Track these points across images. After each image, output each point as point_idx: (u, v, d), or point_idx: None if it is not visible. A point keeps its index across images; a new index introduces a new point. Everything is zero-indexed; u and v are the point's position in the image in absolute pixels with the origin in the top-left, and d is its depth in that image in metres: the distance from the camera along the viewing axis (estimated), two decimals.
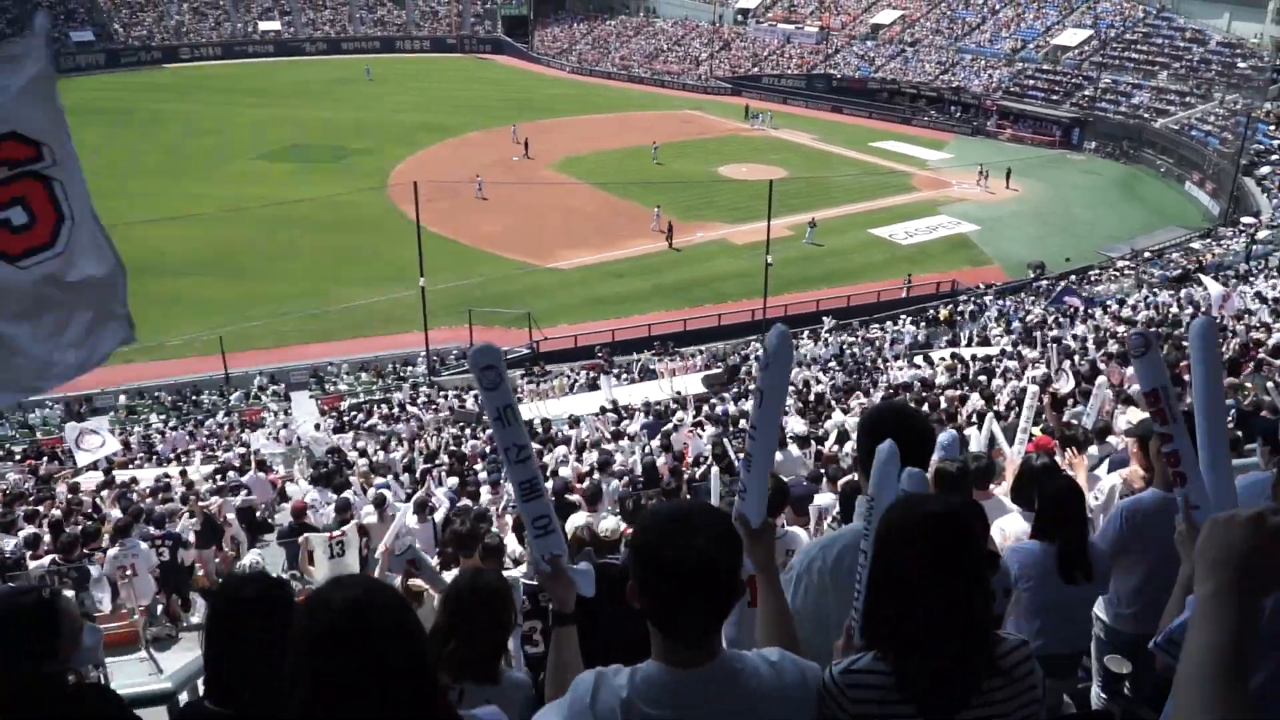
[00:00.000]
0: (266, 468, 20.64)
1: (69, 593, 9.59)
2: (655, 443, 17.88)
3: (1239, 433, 9.22)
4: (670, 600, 2.43)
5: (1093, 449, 9.19)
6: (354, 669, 2.13)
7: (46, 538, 13.59)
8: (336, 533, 10.83)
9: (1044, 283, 39.42)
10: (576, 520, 9.22)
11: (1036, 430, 9.95)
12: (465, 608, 3.63)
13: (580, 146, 63.05)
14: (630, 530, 8.50)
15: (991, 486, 7.00)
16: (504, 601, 3.70)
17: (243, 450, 24.18)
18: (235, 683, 3.17)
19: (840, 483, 9.44)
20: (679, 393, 26.29)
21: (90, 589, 11.29)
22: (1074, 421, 8.04)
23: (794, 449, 14.36)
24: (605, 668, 2.58)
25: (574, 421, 23.24)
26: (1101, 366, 17.41)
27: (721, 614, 2.49)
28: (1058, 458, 7.47)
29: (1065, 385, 15.13)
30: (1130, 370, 15.47)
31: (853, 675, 2.68)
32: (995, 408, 15.24)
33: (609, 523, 9.26)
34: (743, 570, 2.58)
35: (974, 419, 14.89)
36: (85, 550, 12.14)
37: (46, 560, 11.44)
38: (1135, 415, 10.12)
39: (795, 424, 17.55)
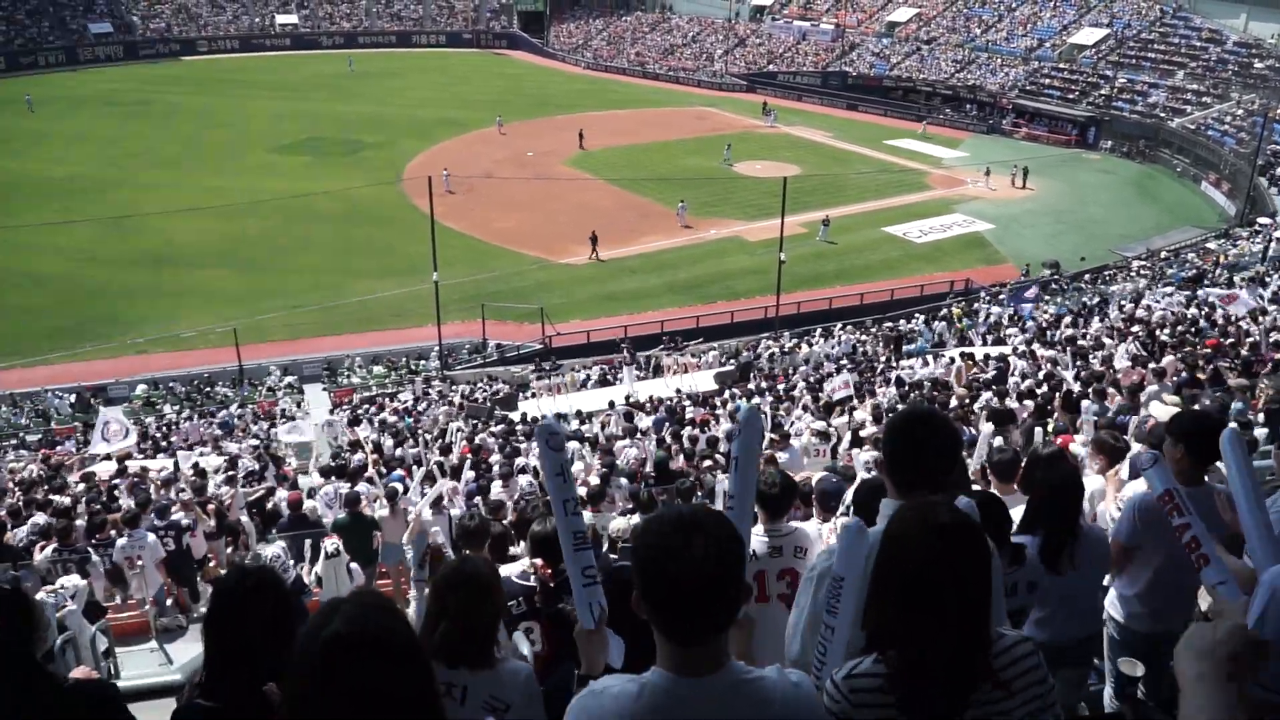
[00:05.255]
0: (280, 461, 20.68)
1: (74, 578, 9.61)
2: (668, 438, 17.86)
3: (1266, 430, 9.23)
4: (674, 610, 2.42)
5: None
6: (354, 697, 2.15)
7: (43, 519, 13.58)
8: (330, 544, 10.84)
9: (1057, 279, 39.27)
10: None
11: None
12: (450, 591, 3.67)
13: (594, 142, 62.98)
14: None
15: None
16: (488, 584, 3.73)
17: (255, 443, 24.25)
18: (229, 674, 3.23)
19: (854, 484, 9.38)
20: (690, 388, 26.26)
21: (90, 576, 11.30)
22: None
23: (796, 444, 14.35)
24: (595, 682, 2.60)
25: (584, 418, 23.26)
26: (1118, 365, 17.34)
27: (727, 620, 2.47)
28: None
29: (1076, 385, 15.07)
30: (1149, 370, 15.41)
31: (855, 680, 2.68)
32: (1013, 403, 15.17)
33: (619, 523, 9.24)
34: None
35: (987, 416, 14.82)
36: (95, 540, 12.17)
37: (50, 549, 11.45)
38: (1158, 412, 10.06)
39: (809, 420, 17.53)
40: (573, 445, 18.26)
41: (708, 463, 14.54)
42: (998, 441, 10.03)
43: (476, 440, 21.11)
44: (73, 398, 31.69)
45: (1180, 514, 3.98)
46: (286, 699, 2.22)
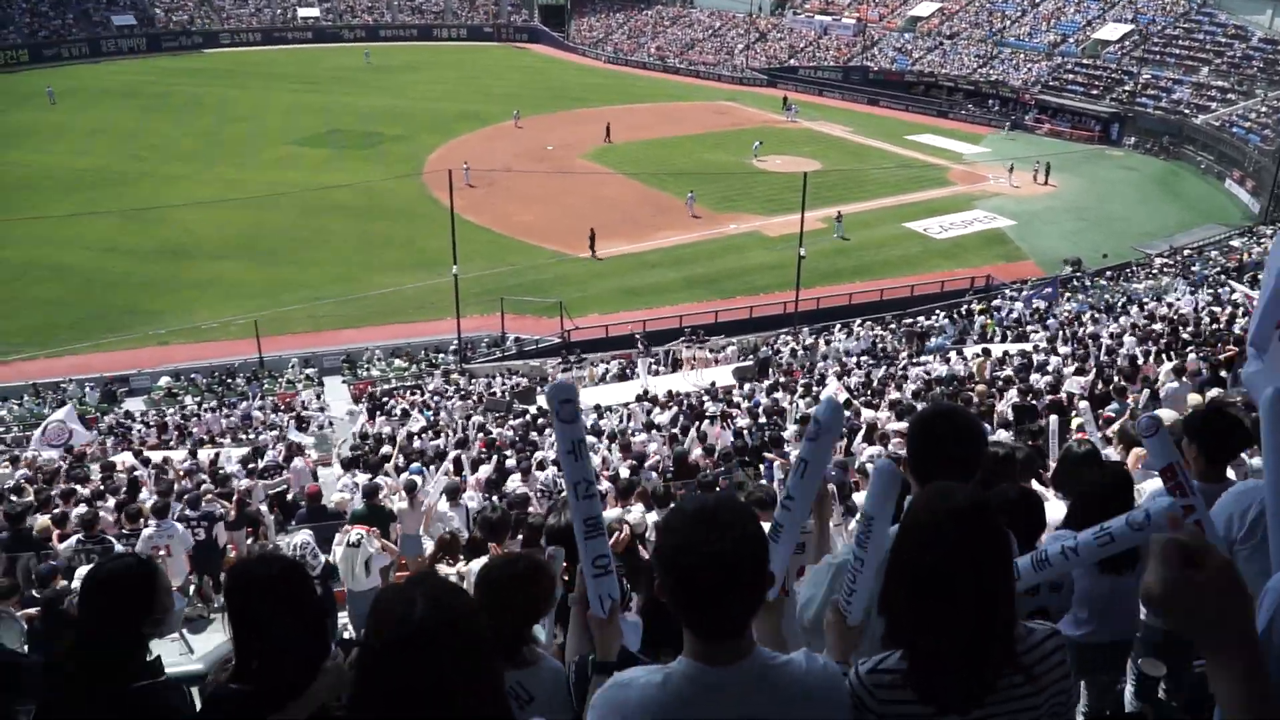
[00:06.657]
0: (301, 452, 20.77)
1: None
2: (691, 433, 17.86)
3: None
4: (698, 600, 2.40)
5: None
6: (424, 681, 2.19)
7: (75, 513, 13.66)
8: (354, 534, 10.84)
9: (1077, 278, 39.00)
10: (609, 514, 9.18)
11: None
12: (496, 589, 3.64)
13: (615, 136, 62.97)
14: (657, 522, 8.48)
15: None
16: (538, 585, 3.68)
17: (274, 433, 24.38)
18: (255, 658, 3.22)
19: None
20: (713, 383, 26.24)
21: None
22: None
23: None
24: (620, 674, 2.57)
25: (601, 411, 23.28)
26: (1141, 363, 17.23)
27: (751, 610, 2.45)
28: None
29: (1098, 384, 14.99)
30: (1167, 367, 15.31)
31: (878, 675, 2.65)
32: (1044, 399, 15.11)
33: (635, 514, 9.25)
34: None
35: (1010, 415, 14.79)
36: (126, 530, 12.22)
37: (74, 540, 11.48)
38: (1168, 415, 9.98)
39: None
40: (590, 439, 18.28)
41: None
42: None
43: (494, 434, 21.17)
44: (96, 394, 31.81)
45: (1184, 493, 3.59)
46: (358, 680, 2.27)
